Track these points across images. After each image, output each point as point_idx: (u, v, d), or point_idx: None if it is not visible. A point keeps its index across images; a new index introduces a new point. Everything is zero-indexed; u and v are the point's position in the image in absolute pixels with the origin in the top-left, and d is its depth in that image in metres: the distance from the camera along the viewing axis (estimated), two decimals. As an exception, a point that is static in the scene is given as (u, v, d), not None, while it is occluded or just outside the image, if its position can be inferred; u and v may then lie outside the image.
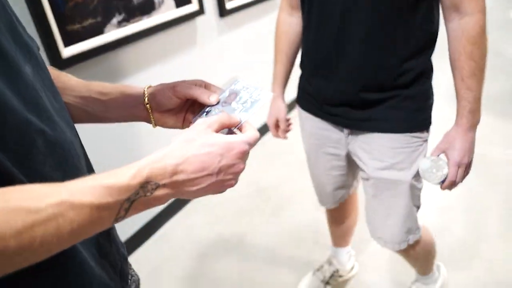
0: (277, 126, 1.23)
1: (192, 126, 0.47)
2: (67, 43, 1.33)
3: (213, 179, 0.44)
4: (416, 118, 1.01)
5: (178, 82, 0.58)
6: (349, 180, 1.25)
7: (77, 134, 0.53)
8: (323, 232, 1.78)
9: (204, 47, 1.89)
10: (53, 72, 0.58)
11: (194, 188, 0.44)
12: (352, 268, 1.56)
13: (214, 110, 0.56)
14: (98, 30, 1.41)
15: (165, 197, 0.42)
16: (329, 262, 1.55)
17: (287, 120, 1.24)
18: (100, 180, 0.38)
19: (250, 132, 0.49)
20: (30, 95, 0.41)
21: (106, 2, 1.42)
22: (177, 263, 1.71)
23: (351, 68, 0.96)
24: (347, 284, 1.56)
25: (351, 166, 1.19)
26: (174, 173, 0.42)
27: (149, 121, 0.61)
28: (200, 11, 1.78)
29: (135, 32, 1.53)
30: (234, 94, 0.57)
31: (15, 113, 0.38)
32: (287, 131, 1.25)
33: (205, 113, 0.57)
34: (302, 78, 1.14)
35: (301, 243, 1.75)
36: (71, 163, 0.46)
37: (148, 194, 0.41)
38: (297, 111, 1.22)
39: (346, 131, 1.08)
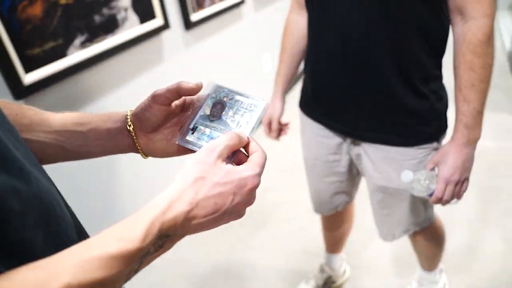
0: (270, 125, 1.21)
1: (198, 156, 0.42)
2: (28, 69, 1.24)
3: (224, 217, 0.41)
4: (425, 132, 0.96)
5: (155, 90, 0.52)
6: (348, 186, 1.21)
7: (49, 177, 0.45)
8: (312, 240, 1.77)
9: (172, 61, 1.83)
10: (13, 107, 0.50)
11: (205, 229, 0.41)
12: (344, 273, 1.56)
13: (202, 125, 0.50)
14: (60, 53, 1.33)
15: (174, 243, 0.40)
16: (321, 270, 1.54)
17: (284, 123, 1.22)
18: (106, 248, 0.33)
19: (259, 157, 0.44)
20: None
21: (66, 23, 1.34)
22: (166, 283, 1.64)
23: (355, 75, 0.92)
24: (369, 275, 1.55)
25: (351, 172, 1.16)
26: (186, 220, 0.38)
27: (136, 150, 0.54)
28: (165, 25, 1.73)
29: (100, 52, 1.45)
30: (220, 105, 0.51)
31: None
32: (280, 134, 1.22)
33: (190, 131, 0.50)
34: (305, 82, 1.12)
35: (290, 253, 1.73)
36: (54, 216, 0.40)
37: (159, 248, 0.38)
38: (299, 115, 1.19)
39: (348, 139, 1.05)
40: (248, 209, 0.44)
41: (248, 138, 0.47)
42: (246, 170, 0.42)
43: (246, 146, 0.47)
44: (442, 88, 0.98)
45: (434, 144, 0.99)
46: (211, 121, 0.50)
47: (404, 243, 1.70)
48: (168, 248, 0.40)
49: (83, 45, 1.40)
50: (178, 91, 0.50)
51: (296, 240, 1.78)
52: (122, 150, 0.54)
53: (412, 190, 0.97)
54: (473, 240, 1.69)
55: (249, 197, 0.43)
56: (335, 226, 1.42)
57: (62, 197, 0.47)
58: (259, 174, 0.43)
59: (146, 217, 0.36)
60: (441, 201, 0.94)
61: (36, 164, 0.43)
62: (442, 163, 0.92)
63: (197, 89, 0.50)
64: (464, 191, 0.94)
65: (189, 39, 1.94)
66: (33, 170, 0.39)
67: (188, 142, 0.50)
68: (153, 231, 0.35)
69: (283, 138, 1.26)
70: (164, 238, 0.37)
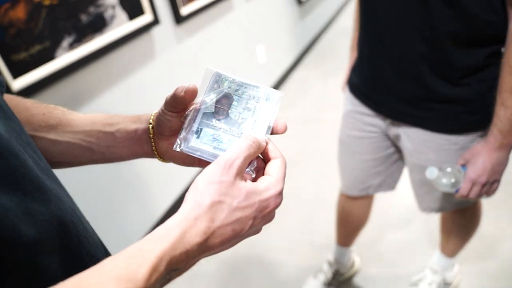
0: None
1: (213, 173, 0.35)
2: (15, 75, 1.19)
3: (240, 240, 0.37)
4: (469, 121, 0.93)
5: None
6: (384, 170, 1.19)
7: (69, 194, 0.43)
8: (316, 233, 1.75)
9: (164, 58, 1.79)
10: (40, 107, 0.49)
11: (218, 252, 0.36)
12: (352, 265, 1.54)
13: (208, 127, 0.42)
14: (48, 56, 1.28)
15: (183, 273, 0.35)
16: (329, 263, 1.51)
17: None
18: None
19: (280, 168, 0.38)
20: (6, 165, 0.31)
21: (52, 25, 1.29)
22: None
23: (401, 58, 0.91)
24: (350, 282, 1.53)
25: (389, 155, 1.15)
26: (199, 252, 0.33)
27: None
28: (155, 21, 1.68)
29: (89, 52, 1.41)
30: (225, 99, 0.42)
31: None
32: None
33: (195, 135, 0.42)
34: (356, 61, 1.11)
35: (295, 248, 1.71)
36: (75, 236, 0.37)
37: (166, 282, 0.33)
38: (345, 92, 1.21)
39: (388, 119, 1.05)
40: None
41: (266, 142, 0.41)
42: (268, 189, 0.37)
43: (267, 154, 0.41)
44: (495, 77, 0.93)
45: (480, 132, 0.95)
46: (218, 120, 0.42)
47: (415, 233, 1.69)
48: (177, 276, 0.35)
49: (72, 46, 1.36)
50: (175, 101, 0.43)
51: (300, 233, 1.76)
52: (148, 154, 0.50)
53: (437, 185, 0.96)
54: (489, 228, 1.67)
55: (270, 217, 0.38)
56: (350, 218, 1.39)
57: (83, 215, 0.45)
58: (282, 191, 0.38)
59: (154, 251, 0.31)
60: (467, 198, 0.93)
61: (56, 179, 0.41)
62: (471, 163, 0.90)
63: (192, 95, 0.42)
64: (494, 191, 0.93)
65: (181, 34, 1.89)
66: (54, 187, 0.37)
67: (194, 149, 0.42)
68: (160, 269, 0.30)
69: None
70: (172, 272, 0.33)
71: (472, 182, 0.89)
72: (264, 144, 0.40)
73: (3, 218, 0.29)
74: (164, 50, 1.79)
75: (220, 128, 0.42)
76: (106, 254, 0.43)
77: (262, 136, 0.41)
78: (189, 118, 0.43)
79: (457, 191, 0.93)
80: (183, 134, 0.43)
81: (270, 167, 0.39)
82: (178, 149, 0.42)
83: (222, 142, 0.42)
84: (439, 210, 1.14)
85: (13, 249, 0.30)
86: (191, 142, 0.42)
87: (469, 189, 0.90)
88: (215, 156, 0.40)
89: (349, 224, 1.42)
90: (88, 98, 1.45)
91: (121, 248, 0.32)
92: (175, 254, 0.31)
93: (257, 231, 0.39)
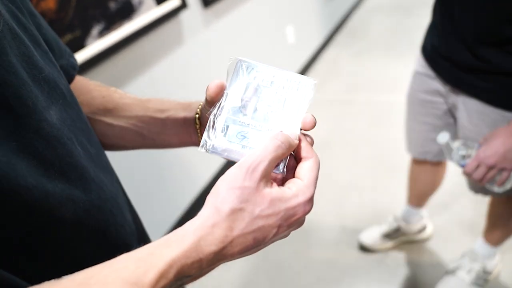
0: None
1: (235, 177, 0.32)
2: (48, 65, 1.22)
3: (263, 247, 0.34)
4: None
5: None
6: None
7: (117, 179, 0.45)
8: (349, 217, 1.72)
9: (192, 43, 1.77)
10: (102, 89, 0.51)
11: (239, 258, 0.34)
12: (420, 231, 1.52)
13: (235, 123, 0.38)
14: (79, 45, 1.29)
15: (199, 278, 0.33)
16: (395, 217, 1.51)
17: None
18: None
19: (312, 172, 0.35)
20: (53, 154, 0.33)
21: (82, 13, 1.30)
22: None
23: (469, 26, 0.90)
24: (412, 247, 1.51)
25: (448, 123, 1.15)
26: (215, 261, 0.31)
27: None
28: (183, 4, 1.66)
29: (119, 40, 1.41)
30: (252, 90, 0.39)
31: (25, 191, 0.29)
32: None
33: (221, 134, 0.38)
34: (430, 23, 1.12)
35: (327, 235, 1.69)
36: (113, 225, 0.38)
37: (178, 286, 0.31)
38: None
39: (448, 85, 1.06)
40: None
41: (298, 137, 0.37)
42: (296, 195, 0.34)
43: (299, 152, 0.37)
44: None
45: None
46: (245, 115, 0.38)
47: (451, 219, 1.63)
48: (192, 281, 0.34)
49: (101, 34, 1.36)
50: (208, 101, 0.40)
51: (333, 217, 1.74)
52: (197, 144, 0.48)
53: (446, 154, 0.95)
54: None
55: (298, 224, 0.35)
56: (421, 178, 1.38)
57: (128, 201, 0.47)
58: (312, 197, 0.35)
59: (164, 257, 0.29)
60: (471, 177, 0.91)
61: (105, 167, 0.42)
62: (485, 143, 0.89)
63: (219, 93, 0.39)
64: (503, 181, 0.90)
65: (209, 17, 1.86)
66: (98, 176, 0.38)
67: (221, 149, 0.38)
68: (168, 276, 0.29)
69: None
70: (184, 278, 0.31)
71: (479, 161, 0.88)
72: (296, 142, 0.36)
73: (43, 203, 0.31)
74: (192, 34, 1.77)
75: (248, 124, 0.38)
76: (139, 243, 0.42)
77: (294, 132, 0.37)
78: (214, 114, 0.39)
79: (463, 166, 0.92)
80: (208, 132, 0.38)
81: (301, 169, 0.36)
82: (202, 150, 0.38)
83: (251, 140, 0.38)
84: (489, 193, 1.10)
85: (51, 230, 0.31)
86: (217, 142, 0.38)
87: (474, 168, 0.89)
88: (243, 156, 0.37)
89: (416, 187, 1.41)
90: (117, 86, 1.47)
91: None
92: (187, 262, 0.30)
93: (284, 236, 0.36)
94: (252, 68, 0.39)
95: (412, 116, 1.23)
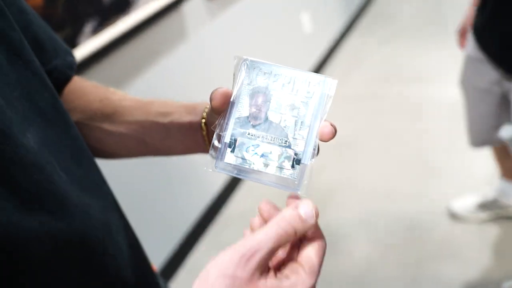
0: (464, 34, 1.27)
1: (227, 263, 0.29)
2: (36, 67, 1.15)
3: None
4: None
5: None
6: (498, 123, 1.19)
7: (114, 200, 0.42)
8: (381, 232, 1.59)
9: (196, 37, 1.68)
10: (99, 91, 0.49)
11: None
12: None
13: (243, 136, 0.34)
14: (70, 44, 1.22)
15: None
16: (494, 189, 1.48)
17: None
18: None
19: (317, 257, 0.31)
20: (29, 181, 0.32)
21: (73, 9, 1.22)
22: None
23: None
24: (505, 221, 1.45)
25: (506, 110, 1.16)
26: None
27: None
28: (184, -4, 1.56)
29: (114, 37, 1.33)
30: (261, 96, 0.34)
31: None
32: None
33: (229, 148, 0.34)
34: (480, 1, 1.14)
35: (355, 250, 1.56)
36: (99, 254, 0.36)
37: None
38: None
39: (500, 69, 1.08)
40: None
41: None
42: (295, 286, 0.30)
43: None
44: None
45: None
46: (254, 126, 0.34)
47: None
48: None
49: (95, 31, 1.29)
50: (213, 111, 0.36)
51: (361, 232, 1.58)
52: (204, 149, 0.45)
53: (511, 146, 0.92)
54: None
55: None
56: (504, 155, 1.35)
57: (126, 225, 0.44)
58: (319, 270, 0.31)
59: None
60: None
61: (95, 189, 0.40)
62: None
63: (225, 99, 0.34)
64: None
65: (213, 8, 1.77)
66: (84, 201, 0.36)
67: (232, 167, 0.34)
68: None
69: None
70: None
71: None
72: (311, 223, 0.31)
73: (17, 240, 0.29)
74: (196, 28, 1.68)
75: (258, 137, 0.34)
76: (136, 277, 0.41)
77: (312, 141, 0.33)
78: (219, 126, 0.35)
79: None
80: (213, 148, 0.34)
81: (304, 252, 0.32)
82: (210, 170, 0.35)
83: (264, 156, 0.34)
84: None
85: (24, 266, 0.30)
86: (225, 159, 0.34)
87: None
88: (256, 174, 0.34)
89: (505, 161, 1.38)
90: (115, 87, 1.39)
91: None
92: None
93: None
94: (260, 69, 0.35)
95: (471, 105, 1.24)
